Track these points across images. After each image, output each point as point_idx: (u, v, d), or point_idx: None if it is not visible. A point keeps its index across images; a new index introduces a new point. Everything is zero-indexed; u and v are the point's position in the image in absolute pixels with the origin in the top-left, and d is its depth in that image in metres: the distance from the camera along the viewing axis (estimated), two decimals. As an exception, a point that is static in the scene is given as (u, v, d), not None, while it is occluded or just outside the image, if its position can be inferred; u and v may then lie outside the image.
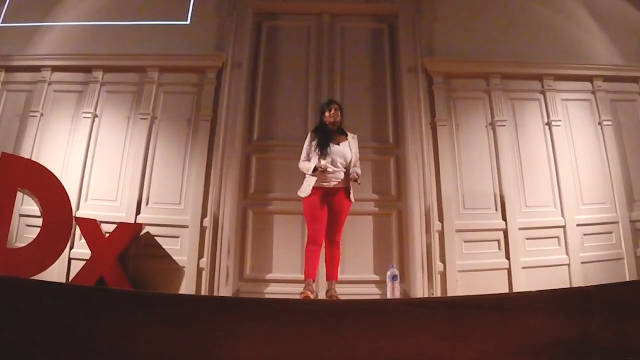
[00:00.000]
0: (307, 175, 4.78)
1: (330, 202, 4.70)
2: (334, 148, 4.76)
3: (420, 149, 5.83)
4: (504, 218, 5.66)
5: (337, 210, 4.72)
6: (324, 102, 5.11)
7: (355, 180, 4.66)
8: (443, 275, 5.45)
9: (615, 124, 6.11)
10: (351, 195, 4.75)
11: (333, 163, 4.70)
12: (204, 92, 6.11)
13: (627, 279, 5.44)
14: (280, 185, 5.69)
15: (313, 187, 4.66)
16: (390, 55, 6.47)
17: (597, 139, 6.06)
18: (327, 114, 4.92)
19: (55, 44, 6.34)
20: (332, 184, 4.69)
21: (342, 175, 4.74)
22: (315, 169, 4.67)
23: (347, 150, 4.81)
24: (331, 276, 4.73)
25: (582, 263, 5.54)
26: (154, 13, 6.47)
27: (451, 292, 5.34)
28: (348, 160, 4.78)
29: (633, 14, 6.59)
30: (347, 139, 4.91)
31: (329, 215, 4.71)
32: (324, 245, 4.74)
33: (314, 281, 4.61)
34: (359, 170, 4.76)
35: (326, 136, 4.83)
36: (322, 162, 4.64)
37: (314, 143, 4.84)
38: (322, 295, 5.02)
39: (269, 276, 5.60)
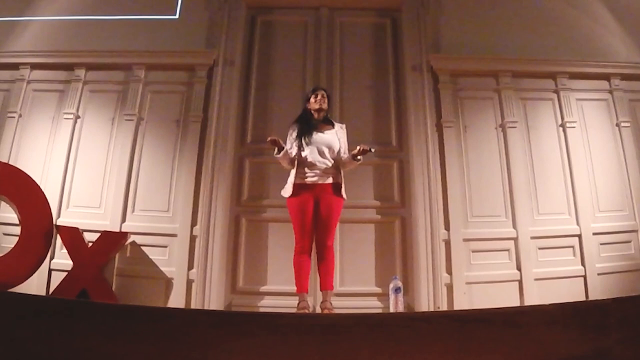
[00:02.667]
0: (291, 172, 4.65)
1: (318, 200, 4.54)
2: (317, 136, 4.64)
3: (425, 152, 5.83)
4: (515, 226, 5.65)
5: (325, 211, 4.53)
6: (310, 90, 5.00)
7: (368, 150, 4.46)
8: (450, 287, 5.44)
9: (634, 126, 6.11)
10: (343, 192, 4.60)
11: (320, 153, 4.58)
12: (193, 92, 6.10)
13: (647, 292, 5.45)
14: (276, 192, 5.47)
15: (296, 184, 4.53)
16: (393, 52, 6.48)
17: (615, 142, 6.05)
18: (312, 99, 4.81)
19: (34, 40, 6.33)
20: (318, 179, 4.56)
21: (329, 168, 4.60)
22: (280, 152, 4.55)
23: (333, 139, 4.69)
24: (326, 286, 4.55)
25: (599, 274, 5.53)
26: (140, 7, 6.46)
27: (458, 306, 5.33)
28: (336, 151, 4.65)
29: (653, 9, 6.59)
30: (333, 128, 4.79)
31: (318, 216, 4.54)
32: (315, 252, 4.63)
33: (307, 294, 4.56)
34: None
35: (308, 124, 4.72)
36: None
37: (294, 133, 4.72)
38: (318, 308, 5.00)
39: (263, 288, 5.58)
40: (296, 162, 4.61)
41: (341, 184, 4.62)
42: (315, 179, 4.56)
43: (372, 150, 4.49)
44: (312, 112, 4.79)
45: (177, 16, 6.44)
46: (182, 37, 6.32)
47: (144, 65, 6.17)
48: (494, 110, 6.09)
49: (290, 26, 6.61)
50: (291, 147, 4.66)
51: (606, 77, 6.26)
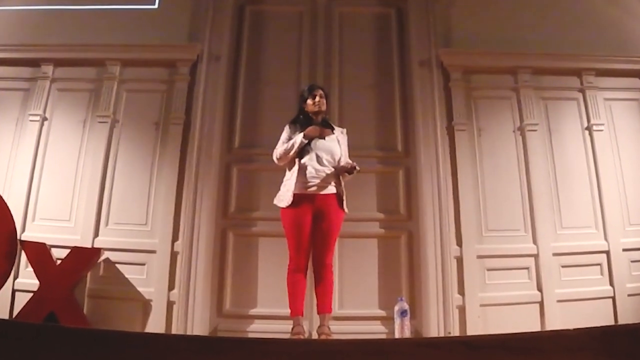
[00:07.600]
0: (285, 179, 4.66)
1: (318, 212, 4.51)
2: (318, 143, 4.62)
3: (434, 159, 5.84)
4: (536, 242, 5.64)
5: (326, 224, 4.50)
6: (305, 88, 4.96)
7: (354, 169, 4.48)
8: (462, 310, 5.44)
9: (668, 129, 6.12)
10: (344, 205, 4.60)
11: (318, 161, 4.56)
12: (175, 90, 6.10)
13: (684, 315, 5.45)
14: (267, 203, 5.40)
15: (294, 194, 4.48)
16: (399, 46, 6.50)
17: (647, 147, 6.06)
18: (309, 101, 4.79)
19: (-4, 33, 6.35)
20: (317, 189, 4.52)
21: (330, 177, 4.59)
22: (306, 138, 4.57)
23: (334, 145, 4.68)
24: (324, 308, 4.50)
25: (630, 295, 5.52)
26: (116, -4, 6.48)
27: (472, 331, 5.32)
28: (337, 159, 4.64)
29: (689, -2, 6.61)
30: (334, 133, 4.78)
31: (317, 230, 4.50)
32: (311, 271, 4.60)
33: (302, 318, 4.52)
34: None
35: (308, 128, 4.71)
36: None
37: (294, 136, 4.67)
38: (314, 333, 4.98)
39: (253, 311, 5.58)
40: (295, 169, 4.59)
41: (343, 196, 4.61)
42: (314, 188, 4.52)
43: (357, 169, 4.51)
44: (310, 114, 4.80)
45: (156, 6, 6.45)
46: (161, 29, 6.33)
47: (119, 60, 6.17)
48: (512, 112, 6.10)
49: (284, 17, 6.62)
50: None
51: (637, 74, 6.28)
